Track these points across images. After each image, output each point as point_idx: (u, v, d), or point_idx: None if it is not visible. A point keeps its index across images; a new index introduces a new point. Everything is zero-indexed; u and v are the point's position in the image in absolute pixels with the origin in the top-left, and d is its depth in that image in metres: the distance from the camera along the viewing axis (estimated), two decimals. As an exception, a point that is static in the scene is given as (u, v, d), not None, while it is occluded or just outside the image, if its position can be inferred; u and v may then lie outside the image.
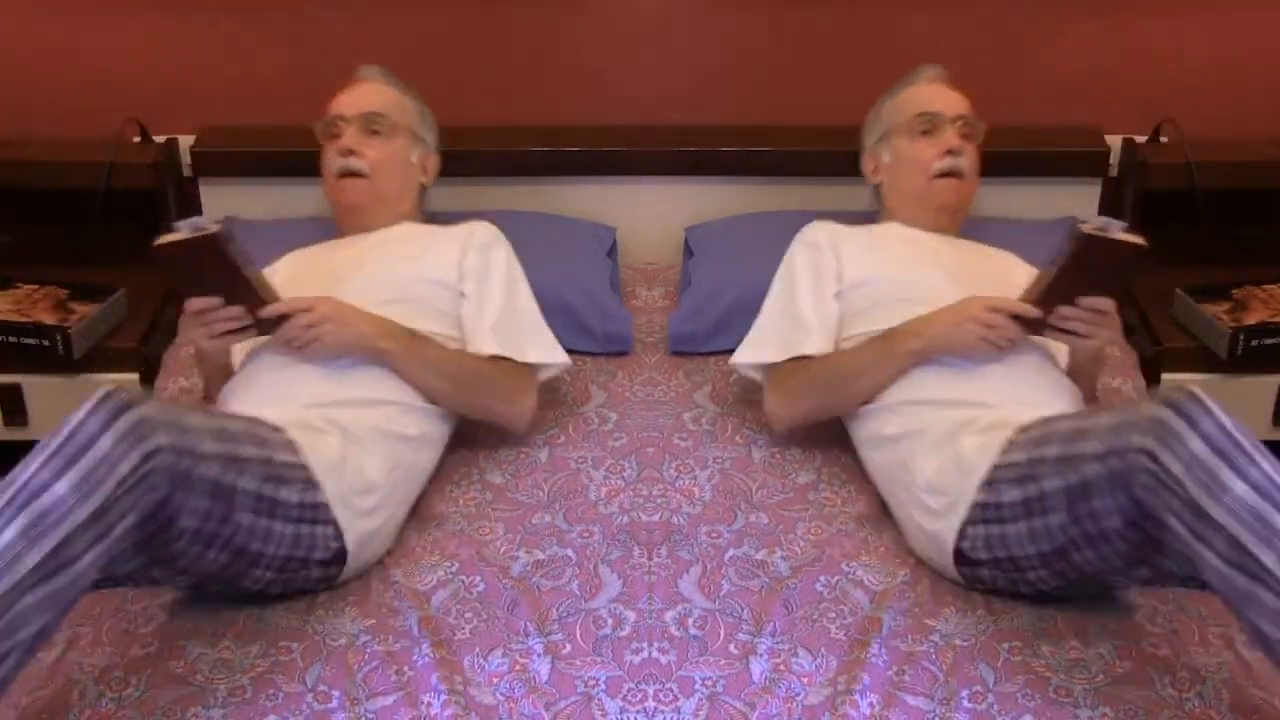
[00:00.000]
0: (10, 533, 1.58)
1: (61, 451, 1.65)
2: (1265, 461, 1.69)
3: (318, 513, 1.98)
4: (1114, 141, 2.91)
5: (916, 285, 2.29)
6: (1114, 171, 2.93)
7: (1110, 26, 2.86)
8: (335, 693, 1.85)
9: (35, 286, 2.76)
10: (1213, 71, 2.89)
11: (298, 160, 2.84)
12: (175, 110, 2.90)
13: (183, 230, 2.05)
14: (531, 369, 2.36)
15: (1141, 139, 2.90)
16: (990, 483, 1.99)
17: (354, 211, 2.48)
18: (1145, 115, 2.90)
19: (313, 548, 1.98)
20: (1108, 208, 2.94)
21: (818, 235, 2.40)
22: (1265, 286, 2.78)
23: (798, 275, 2.36)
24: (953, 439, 2.10)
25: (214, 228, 2.04)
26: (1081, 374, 2.26)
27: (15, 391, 2.70)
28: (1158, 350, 2.72)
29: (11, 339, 2.63)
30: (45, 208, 2.91)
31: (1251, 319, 2.67)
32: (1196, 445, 1.70)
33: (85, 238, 2.91)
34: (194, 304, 2.11)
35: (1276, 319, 2.67)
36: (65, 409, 2.66)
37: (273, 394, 2.15)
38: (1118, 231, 2.06)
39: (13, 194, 2.87)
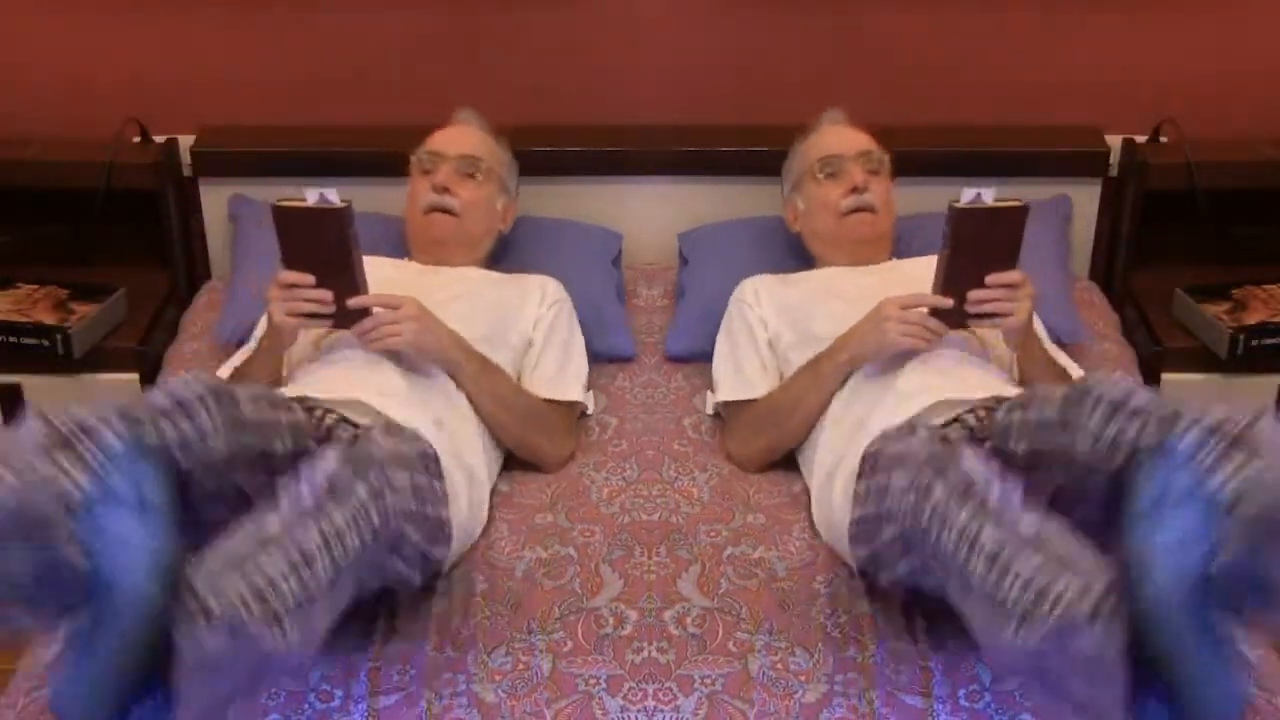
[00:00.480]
0: (362, 492, 1.73)
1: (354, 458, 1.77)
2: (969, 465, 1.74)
3: (437, 568, 2.02)
4: (1114, 141, 2.91)
5: (825, 318, 2.33)
6: (1114, 171, 2.93)
7: (1110, 27, 2.86)
8: (338, 692, 1.85)
9: (35, 286, 2.77)
10: (1213, 71, 2.89)
11: (298, 160, 2.85)
12: (175, 110, 2.90)
13: (309, 199, 2.05)
14: (573, 411, 2.42)
15: (1141, 139, 2.90)
16: (852, 540, 1.99)
17: (437, 246, 2.51)
18: (1145, 115, 2.90)
19: (408, 586, 2.00)
20: (1108, 207, 2.95)
21: (745, 292, 2.49)
22: (1265, 286, 2.79)
23: (735, 331, 2.47)
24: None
25: (341, 204, 2.05)
26: (1026, 358, 2.25)
27: (15, 391, 2.70)
28: (1158, 350, 2.72)
29: (11, 339, 2.64)
30: (45, 208, 2.91)
31: (1251, 319, 2.67)
32: (938, 490, 1.73)
33: (85, 238, 2.91)
34: (286, 277, 2.12)
35: (1276, 319, 2.67)
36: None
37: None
38: (990, 200, 2.06)
39: (13, 194, 2.87)
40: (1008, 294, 2.13)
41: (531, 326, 2.43)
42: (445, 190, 2.47)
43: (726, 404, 2.41)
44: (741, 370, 2.41)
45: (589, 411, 2.48)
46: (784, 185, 2.64)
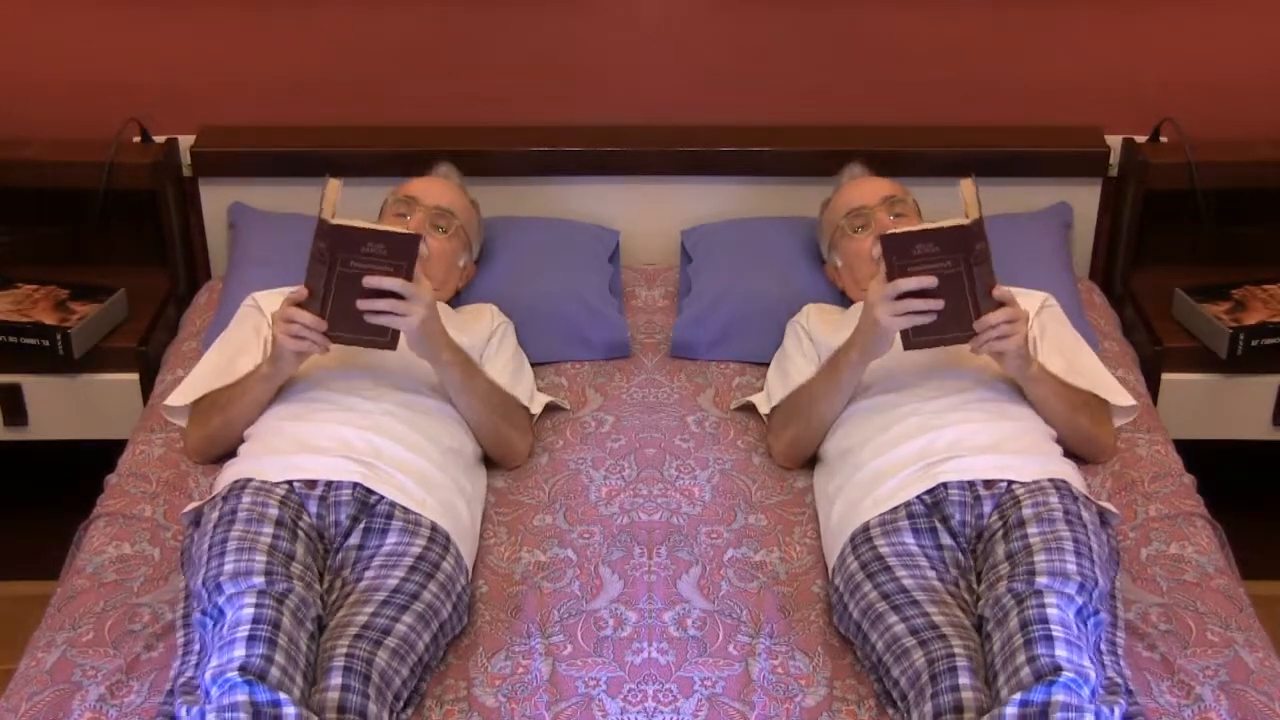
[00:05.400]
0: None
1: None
2: None
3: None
4: (1114, 141, 2.91)
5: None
6: (1114, 171, 2.93)
7: (1110, 26, 2.86)
8: (336, 695, 1.85)
9: (35, 286, 2.77)
10: (1213, 71, 2.89)
11: (297, 160, 2.85)
12: (175, 110, 2.90)
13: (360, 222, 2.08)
14: (529, 412, 2.44)
15: (1141, 139, 2.90)
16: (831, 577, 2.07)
17: None
18: (1145, 115, 2.90)
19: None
20: (1108, 207, 2.95)
21: (800, 317, 2.55)
22: (1265, 286, 2.79)
23: (786, 349, 2.52)
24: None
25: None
26: (1036, 396, 2.25)
27: (15, 391, 2.71)
28: (1158, 350, 2.72)
29: (11, 339, 2.64)
30: (45, 208, 2.91)
31: (1251, 319, 2.67)
32: None
33: (85, 238, 2.91)
34: (295, 294, 2.12)
35: (1276, 319, 2.67)
36: (65, 409, 2.72)
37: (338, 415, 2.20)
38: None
39: (13, 194, 2.87)
40: (1009, 313, 2.12)
41: (486, 339, 2.46)
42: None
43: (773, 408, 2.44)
44: (788, 376, 2.43)
45: (535, 414, 2.46)
46: (821, 246, 2.65)
